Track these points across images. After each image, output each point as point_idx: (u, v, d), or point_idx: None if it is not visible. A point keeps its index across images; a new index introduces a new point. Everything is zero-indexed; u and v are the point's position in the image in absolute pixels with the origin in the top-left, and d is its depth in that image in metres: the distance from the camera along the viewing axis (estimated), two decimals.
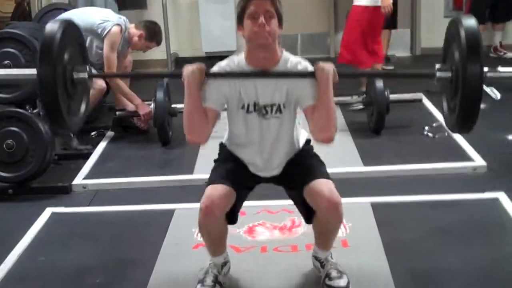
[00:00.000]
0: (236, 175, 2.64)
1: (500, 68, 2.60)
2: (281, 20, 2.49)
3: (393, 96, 4.67)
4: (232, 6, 7.02)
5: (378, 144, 4.57)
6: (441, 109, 2.78)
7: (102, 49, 4.58)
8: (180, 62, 7.32)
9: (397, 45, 7.37)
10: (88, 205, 3.82)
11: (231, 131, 2.71)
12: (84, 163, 4.42)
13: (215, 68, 2.59)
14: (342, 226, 3.06)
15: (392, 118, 4.69)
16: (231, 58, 2.60)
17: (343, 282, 2.71)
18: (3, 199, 3.96)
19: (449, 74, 2.54)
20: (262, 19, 2.42)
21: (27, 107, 4.17)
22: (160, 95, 4.59)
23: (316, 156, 2.76)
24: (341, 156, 4.28)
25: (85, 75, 2.70)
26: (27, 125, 3.91)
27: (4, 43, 4.00)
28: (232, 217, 2.68)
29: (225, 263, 2.82)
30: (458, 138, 4.49)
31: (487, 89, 2.55)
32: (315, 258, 2.84)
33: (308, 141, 2.75)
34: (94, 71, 3.02)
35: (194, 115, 2.50)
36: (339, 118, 5.03)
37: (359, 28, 5.18)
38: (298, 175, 2.64)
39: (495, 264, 2.90)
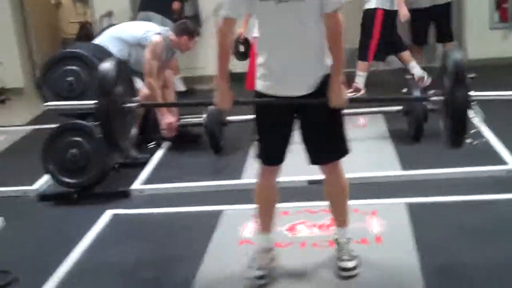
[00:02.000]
0: (275, 130, 2.97)
1: (484, 92, 2.95)
2: None
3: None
4: None
5: (417, 150, 4.77)
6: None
7: None
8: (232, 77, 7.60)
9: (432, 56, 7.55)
10: (145, 208, 4.14)
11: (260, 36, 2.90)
12: (142, 170, 4.76)
13: None
14: (376, 222, 3.38)
15: (432, 125, 4.87)
16: None
17: (351, 264, 3.05)
18: (68, 203, 4.32)
19: (441, 98, 2.89)
20: None
21: (89, 119, 4.51)
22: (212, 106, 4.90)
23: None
24: (380, 160, 4.54)
25: (133, 105, 3.12)
26: (89, 136, 4.27)
27: (67, 61, 4.37)
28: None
29: (270, 249, 3.14)
30: (496, 144, 4.67)
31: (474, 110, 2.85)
32: (335, 240, 3.18)
33: None
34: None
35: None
36: (381, 125, 5.30)
37: None
38: (315, 138, 2.97)
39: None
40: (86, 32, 9.01)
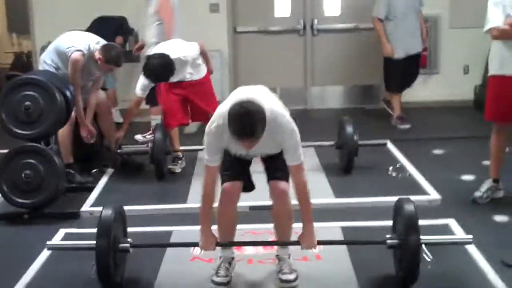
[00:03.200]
0: (235, 161, 3.37)
1: (433, 236, 3.45)
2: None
3: (362, 141, 5.33)
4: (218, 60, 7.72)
5: (348, 181, 5.22)
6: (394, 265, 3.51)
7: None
8: None
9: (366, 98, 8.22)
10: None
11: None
12: (89, 195, 4.97)
13: (209, 139, 3.22)
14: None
15: (361, 159, 5.33)
16: (221, 124, 3.14)
17: (291, 276, 3.42)
18: (20, 222, 4.51)
19: (396, 241, 3.37)
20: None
21: (41, 143, 4.71)
22: (158, 136, 5.21)
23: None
24: (316, 190, 4.82)
25: (127, 245, 3.45)
26: (43, 158, 4.49)
27: (25, 87, 4.58)
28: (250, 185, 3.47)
29: (232, 258, 3.51)
30: (418, 177, 5.15)
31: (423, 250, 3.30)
32: (276, 256, 3.56)
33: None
34: None
35: None
36: (314, 159, 5.70)
37: None
38: (271, 163, 3.42)
39: (442, 269, 3.52)
40: (22, 63, 9.12)
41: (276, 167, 3.39)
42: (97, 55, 5.12)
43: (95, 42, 5.19)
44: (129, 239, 3.50)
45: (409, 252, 3.24)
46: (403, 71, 7.02)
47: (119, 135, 5.49)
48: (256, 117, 2.95)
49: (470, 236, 3.57)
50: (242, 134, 2.97)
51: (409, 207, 3.33)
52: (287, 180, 3.39)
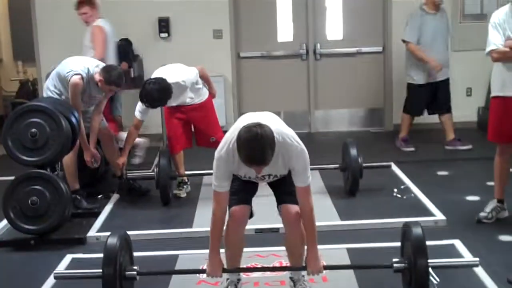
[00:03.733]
0: (242, 186, 3.39)
1: (440, 259, 3.45)
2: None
3: (366, 163, 5.35)
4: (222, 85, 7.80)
5: (353, 203, 5.24)
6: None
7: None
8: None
9: (369, 121, 8.32)
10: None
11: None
12: (95, 220, 4.99)
13: (219, 164, 3.22)
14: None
15: (366, 181, 5.35)
16: (230, 149, 3.16)
17: None
18: (27, 248, 4.52)
19: (403, 265, 3.38)
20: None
21: (47, 169, 4.75)
22: (163, 161, 5.24)
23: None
24: (321, 212, 4.86)
25: (134, 273, 3.45)
26: (50, 184, 4.51)
27: (31, 114, 4.63)
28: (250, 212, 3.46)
29: (239, 280, 3.53)
30: (423, 198, 5.16)
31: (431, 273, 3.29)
32: (290, 278, 3.55)
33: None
34: None
35: None
36: (318, 181, 5.71)
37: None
38: (278, 187, 3.45)
39: None
40: (27, 90, 9.19)
41: (285, 191, 3.41)
42: (98, 77, 5.11)
43: (95, 66, 5.21)
44: (135, 267, 3.49)
45: (418, 277, 3.23)
46: (425, 96, 7.00)
47: (121, 161, 5.50)
48: (266, 142, 2.95)
49: (477, 259, 3.55)
50: (252, 161, 3.00)
51: (417, 231, 3.32)
52: (297, 202, 3.37)
